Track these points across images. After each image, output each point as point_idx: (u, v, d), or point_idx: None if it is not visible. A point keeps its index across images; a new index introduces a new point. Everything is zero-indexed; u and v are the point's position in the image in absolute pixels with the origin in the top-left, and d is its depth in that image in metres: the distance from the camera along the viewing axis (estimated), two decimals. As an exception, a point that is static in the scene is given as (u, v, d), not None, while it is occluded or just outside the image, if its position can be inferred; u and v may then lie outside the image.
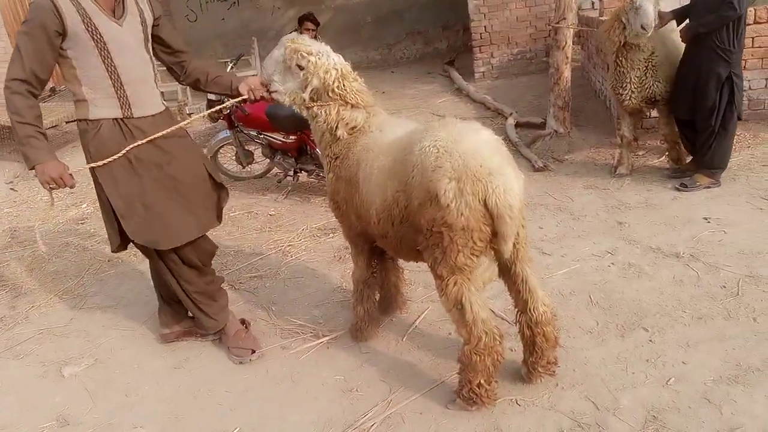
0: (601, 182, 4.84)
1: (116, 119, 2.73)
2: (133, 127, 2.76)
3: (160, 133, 2.78)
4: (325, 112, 2.66)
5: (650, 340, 2.81)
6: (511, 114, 6.85)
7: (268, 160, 5.58)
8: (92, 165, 2.75)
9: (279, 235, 4.60)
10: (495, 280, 2.47)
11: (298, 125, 4.88)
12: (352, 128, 2.66)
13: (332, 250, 4.18)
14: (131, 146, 2.72)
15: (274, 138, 5.21)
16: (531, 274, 2.44)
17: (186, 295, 3.07)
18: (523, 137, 6.12)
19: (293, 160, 5.28)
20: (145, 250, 3.00)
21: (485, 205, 2.14)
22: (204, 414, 2.75)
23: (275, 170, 5.69)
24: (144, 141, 2.74)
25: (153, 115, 2.84)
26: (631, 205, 4.33)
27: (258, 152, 5.65)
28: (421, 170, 2.23)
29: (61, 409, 2.88)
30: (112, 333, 3.52)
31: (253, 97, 2.90)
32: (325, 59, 2.62)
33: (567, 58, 5.74)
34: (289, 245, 4.38)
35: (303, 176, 5.42)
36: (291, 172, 5.36)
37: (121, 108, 2.73)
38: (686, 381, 2.52)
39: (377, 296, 3.11)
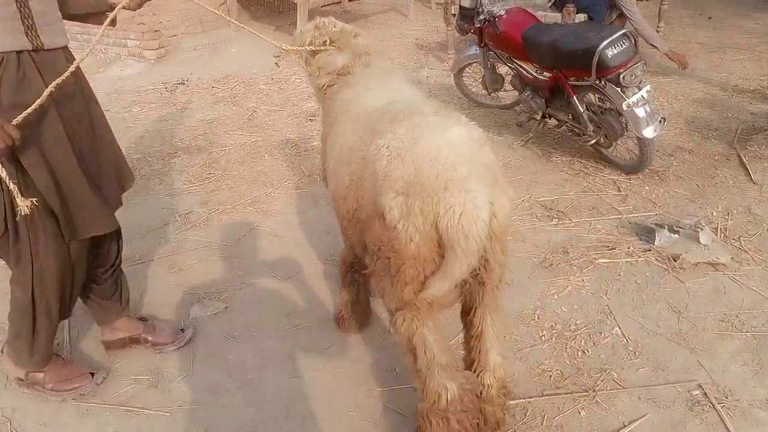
0: None
1: (21, 53, 1.84)
2: (46, 67, 1.88)
3: (76, 62, 1.94)
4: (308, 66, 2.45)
5: None
6: None
7: (517, 92, 4.67)
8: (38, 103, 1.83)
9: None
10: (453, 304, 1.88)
11: (558, 60, 3.87)
12: (329, 75, 2.32)
13: (548, 246, 3.17)
14: (56, 81, 1.85)
15: (525, 69, 4.28)
16: (492, 328, 1.90)
17: (33, 307, 2.12)
18: None
19: (543, 101, 4.26)
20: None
21: (436, 228, 1.61)
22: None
23: (521, 107, 4.76)
24: (67, 73, 1.89)
25: (63, 49, 2.00)
26: None
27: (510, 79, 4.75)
28: (371, 175, 1.75)
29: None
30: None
31: (132, 6, 2.07)
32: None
33: None
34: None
35: (551, 123, 4.41)
36: (537, 116, 4.37)
37: (27, 34, 1.82)
38: None
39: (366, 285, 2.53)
